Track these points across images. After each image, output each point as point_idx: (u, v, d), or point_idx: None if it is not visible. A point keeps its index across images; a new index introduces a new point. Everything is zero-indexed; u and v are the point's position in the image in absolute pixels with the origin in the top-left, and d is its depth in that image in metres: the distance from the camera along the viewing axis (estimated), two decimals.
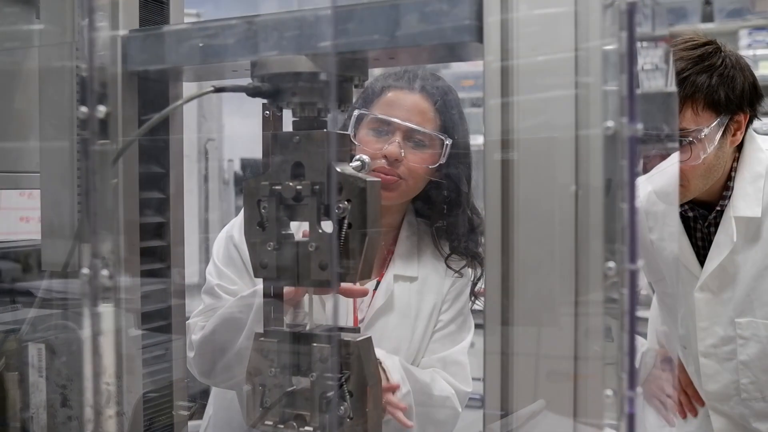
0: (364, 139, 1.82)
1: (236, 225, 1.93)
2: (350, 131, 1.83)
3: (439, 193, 1.93)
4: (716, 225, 2.07)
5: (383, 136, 1.82)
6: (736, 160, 2.04)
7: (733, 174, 2.04)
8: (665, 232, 2.05)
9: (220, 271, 1.89)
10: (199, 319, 1.83)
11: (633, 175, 0.81)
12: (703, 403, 2.30)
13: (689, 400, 2.37)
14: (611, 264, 0.88)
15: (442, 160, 1.84)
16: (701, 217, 2.10)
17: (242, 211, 1.99)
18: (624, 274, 0.83)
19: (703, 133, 1.89)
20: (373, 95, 1.86)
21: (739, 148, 2.04)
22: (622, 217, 0.82)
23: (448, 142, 1.83)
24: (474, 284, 2.01)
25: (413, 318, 1.92)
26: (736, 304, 2.07)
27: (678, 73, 1.88)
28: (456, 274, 1.96)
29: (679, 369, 2.39)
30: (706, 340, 2.13)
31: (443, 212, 1.95)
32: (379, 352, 1.79)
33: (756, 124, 2.07)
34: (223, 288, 1.87)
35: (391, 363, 1.78)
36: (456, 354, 1.96)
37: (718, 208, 2.06)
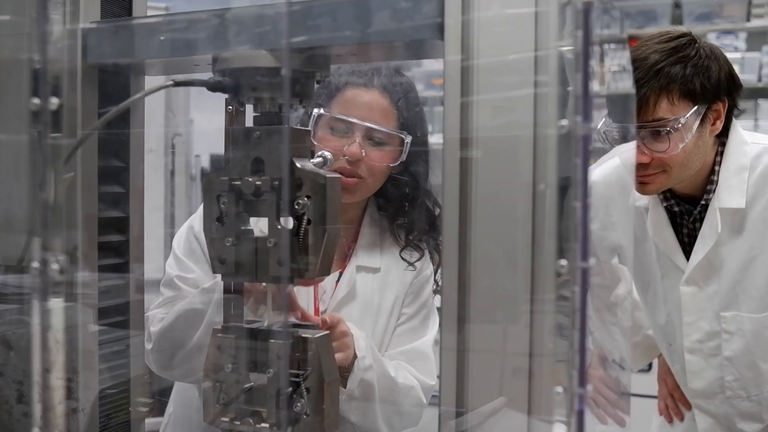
0: (323, 138, 1.81)
1: (197, 216, 1.92)
2: (310, 129, 1.83)
3: (398, 188, 1.93)
4: (702, 220, 2.08)
5: (343, 134, 1.81)
6: (720, 154, 2.05)
7: (717, 168, 2.05)
8: (607, 222, 2.06)
9: (180, 261, 1.87)
10: (158, 311, 1.81)
11: (586, 174, 0.81)
12: (689, 406, 2.31)
13: (675, 403, 2.38)
14: (563, 262, 0.88)
15: (403, 158, 1.84)
16: (687, 212, 2.11)
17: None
18: (576, 272, 0.83)
19: (680, 123, 1.90)
20: (332, 92, 1.85)
21: (723, 142, 2.05)
22: (575, 215, 0.82)
23: (408, 139, 1.83)
24: (436, 272, 2.02)
25: (375, 309, 1.92)
26: (721, 298, 2.08)
27: (653, 65, 1.90)
28: (410, 267, 1.96)
29: (665, 372, 2.40)
30: (691, 335, 2.14)
31: (402, 206, 1.95)
32: (349, 324, 1.79)
33: None
34: (182, 279, 1.85)
35: (359, 333, 1.78)
36: (420, 347, 1.96)
37: (703, 202, 2.07)
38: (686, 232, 2.14)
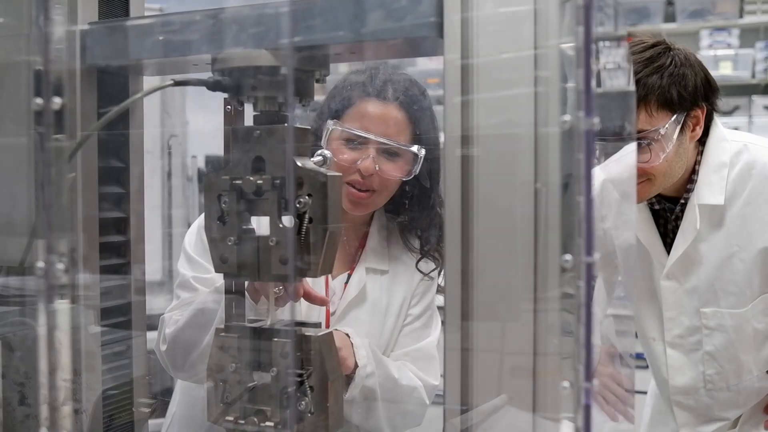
0: (337, 150, 1.79)
1: None
2: (323, 141, 1.81)
3: (408, 194, 1.93)
4: (683, 217, 2.10)
5: (356, 147, 1.80)
6: (700, 153, 2.07)
7: (697, 167, 2.07)
8: (620, 220, 2.08)
9: (194, 261, 1.85)
10: (174, 313, 1.80)
11: (589, 169, 0.81)
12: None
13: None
14: (568, 257, 0.88)
15: (416, 171, 1.83)
16: (668, 210, 2.14)
17: None
18: (580, 266, 0.83)
19: (659, 134, 1.92)
20: (346, 103, 1.83)
21: (703, 141, 2.07)
22: (579, 210, 0.82)
23: (422, 153, 1.81)
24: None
25: (383, 311, 1.93)
26: (701, 293, 2.10)
27: None
28: (426, 278, 1.97)
29: None
30: (672, 330, 2.16)
31: (413, 212, 1.95)
32: (349, 331, 1.79)
33: None
34: (198, 279, 1.83)
35: (360, 341, 1.78)
36: (424, 348, 1.97)
37: (683, 201, 2.10)
38: (671, 229, 2.16)
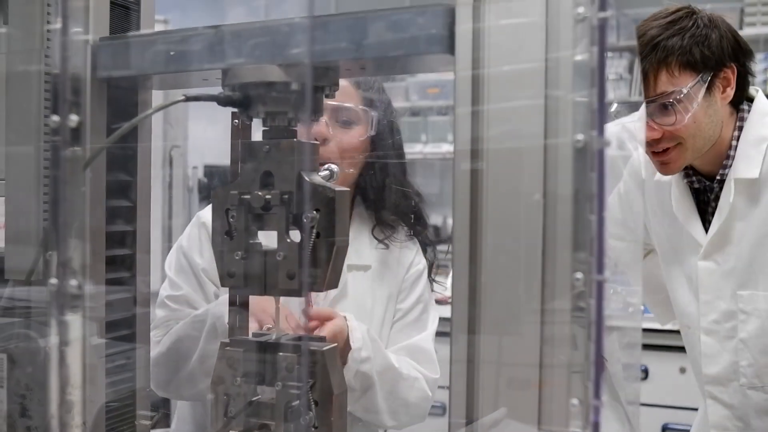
0: None
1: (185, 234, 1.94)
2: (318, 143, 1.85)
3: (376, 178, 1.96)
4: (720, 194, 2.05)
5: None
6: (739, 129, 2.03)
7: (734, 143, 2.02)
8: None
9: (171, 280, 1.90)
10: (154, 334, 1.82)
11: (602, 187, 0.82)
12: None
13: None
14: (579, 275, 0.89)
15: (372, 132, 1.88)
16: (709, 189, 2.09)
17: (192, 221, 2.01)
18: (591, 284, 0.84)
19: (682, 94, 1.88)
20: None
21: (742, 117, 2.03)
22: (590, 228, 0.83)
23: (374, 114, 1.88)
24: (430, 269, 2.03)
25: (369, 307, 1.92)
26: (738, 275, 2.04)
27: (650, 40, 1.90)
28: (380, 245, 1.97)
29: None
30: (708, 315, 2.10)
31: (382, 196, 1.97)
32: (348, 314, 1.79)
33: None
34: (171, 298, 1.88)
35: (357, 324, 1.78)
36: (419, 342, 1.96)
37: (718, 177, 2.05)
38: (710, 211, 2.10)
